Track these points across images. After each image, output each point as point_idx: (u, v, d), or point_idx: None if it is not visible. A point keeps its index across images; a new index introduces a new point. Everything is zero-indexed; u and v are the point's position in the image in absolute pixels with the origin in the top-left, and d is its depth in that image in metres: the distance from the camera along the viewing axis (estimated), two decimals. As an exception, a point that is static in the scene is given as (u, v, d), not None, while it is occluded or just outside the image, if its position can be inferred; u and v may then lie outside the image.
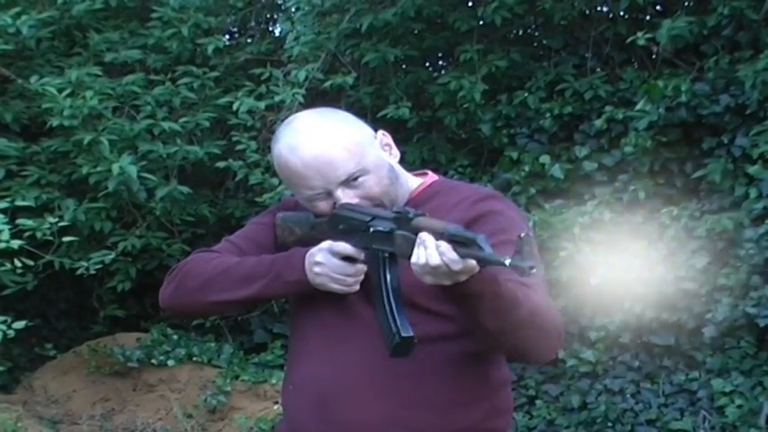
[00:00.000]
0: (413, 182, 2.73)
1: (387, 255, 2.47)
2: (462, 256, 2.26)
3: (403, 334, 2.42)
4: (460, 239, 2.27)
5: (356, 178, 2.57)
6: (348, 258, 2.55)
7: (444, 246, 2.27)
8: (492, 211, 2.62)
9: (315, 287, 2.58)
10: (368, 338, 2.54)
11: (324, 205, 2.60)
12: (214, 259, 2.74)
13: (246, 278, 2.66)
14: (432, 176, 2.74)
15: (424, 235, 2.32)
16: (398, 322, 2.43)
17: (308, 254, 2.59)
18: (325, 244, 2.57)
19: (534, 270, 2.21)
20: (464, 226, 2.40)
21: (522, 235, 2.26)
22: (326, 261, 2.56)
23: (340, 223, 2.58)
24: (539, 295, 2.50)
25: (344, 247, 2.54)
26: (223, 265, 2.71)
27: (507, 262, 2.21)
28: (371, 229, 2.49)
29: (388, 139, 2.70)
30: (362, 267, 2.55)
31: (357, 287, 2.56)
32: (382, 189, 2.60)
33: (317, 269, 2.56)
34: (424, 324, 2.54)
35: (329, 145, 2.55)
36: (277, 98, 8.34)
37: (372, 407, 2.54)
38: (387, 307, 2.45)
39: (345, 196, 2.56)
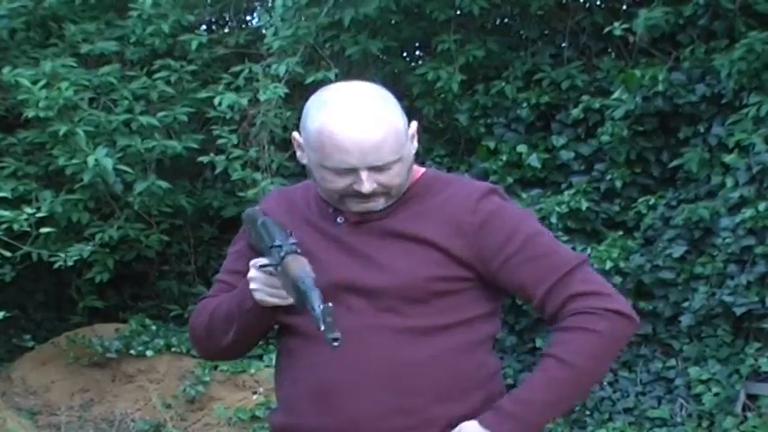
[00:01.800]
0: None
1: None
2: (299, 301, 2.41)
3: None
4: (301, 291, 2.39)
5: (389, 167, 2.56)
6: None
7: None
8: (494, 213, 2.62)
9: (262, 305, 2.59)
10: (364, 329, 2.55)
11: (340, 180, 2.56)
12: (204, 308, 2.76)
13: (227, 319, 2.68)
14: (418, 168, 2.74)
15: None
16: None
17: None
18: (252, 261, 2.59)
19: (336, 344, 2.32)
20: (472, 233, 2.56)
21: (322, 307, 2.34)
22: (257, 277, 2.57)
23: (261, 240, 2.60)
24: (563, 352, 2.55)
25: (262, 261, 2.56)
26: (208, 310, 2.73)
27: (321, 328, 2.32)
28: (258, 265, 2.55)
29: (415, 130, 2.69)
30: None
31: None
32: (401, 180, 2.59)
33: (252, 286, 2.57)
34: (422, 316, 2.55)
35: (381, 128, 2.52)
36: (261, 96, 8.31)
37: (373, 396, 2.54)
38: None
39: (368, 180, 2.53)
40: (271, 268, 2.53)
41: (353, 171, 2.53)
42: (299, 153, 2.67)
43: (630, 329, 2.62)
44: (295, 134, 2.68)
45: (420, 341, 2.54)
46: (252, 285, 2.57)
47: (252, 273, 2.58)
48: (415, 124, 2.67)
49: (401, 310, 2.56)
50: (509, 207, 2.67)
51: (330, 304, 2.33)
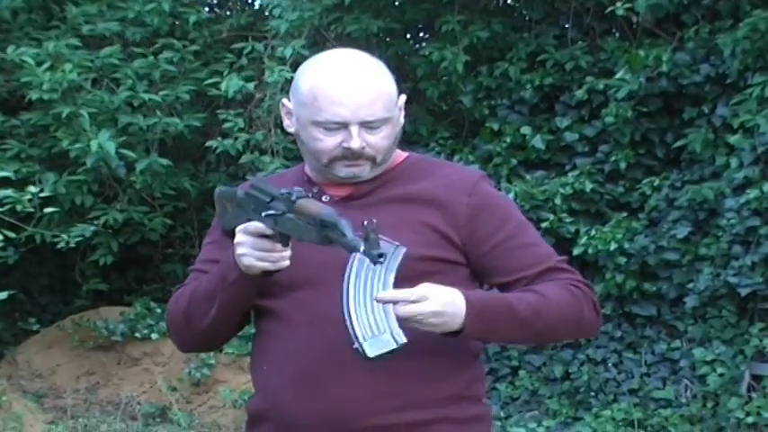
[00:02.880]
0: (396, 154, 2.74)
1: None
2: (324, 237, 2.37)
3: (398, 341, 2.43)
4: (329, 223, 2.34)
5: (379, 125, 2.58)
6: (266, 235, 2.53)
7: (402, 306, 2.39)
8: (489, 198, 2.67)
9: (250, 273, 2.55)
10: (339, 318, 2.53)
11: (329, 139, 2.57)
12: (182, 293, 2.73)
13: (208, 297, 2.64)
14: (401, 152, 2.75)
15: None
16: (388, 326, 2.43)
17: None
18: (240, 227, 2.55)
19: (381, 260, 2.32)
20: (467, 216, 2.60)
21: (366, 223, 2.31)
22: (245, 241, 2.53)
23: (251, 203, 2.57)
24: (552, 295, 2.58)
25: (255, 225, 2.52)
26: (187, 293, 2.70)
27: (361, 249, 2.30)
28: (263, 214, 2.51)
29: (403, 103, 2.71)
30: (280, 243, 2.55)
31: (286, 262, 2.53)
32: (389, 144, 2.61)
33: (239, 251, 2.53)
34: None
35: (376, 82, 2.57)
36: (268, 79, 8.29)
37: (359, 380, 2.52)
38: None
39: (359, 137, 2.56)
40: (271, 223, 2.49)
41: (344, 127, 2.55)
42: (286, 122, 2.69)
43: (596, 324, 2.69)
44: (284, 100, 2.70)
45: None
46: (239, 250, 2.53)
47: (240, 237, 2.54)
48: (403, 97, 2.70)
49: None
50: (500, 194, 2.75)
51: (374, 220, 2.33)
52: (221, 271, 2.61)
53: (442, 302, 2.42)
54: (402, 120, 2.69)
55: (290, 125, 2.68)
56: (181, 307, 2.71)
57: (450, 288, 2.45)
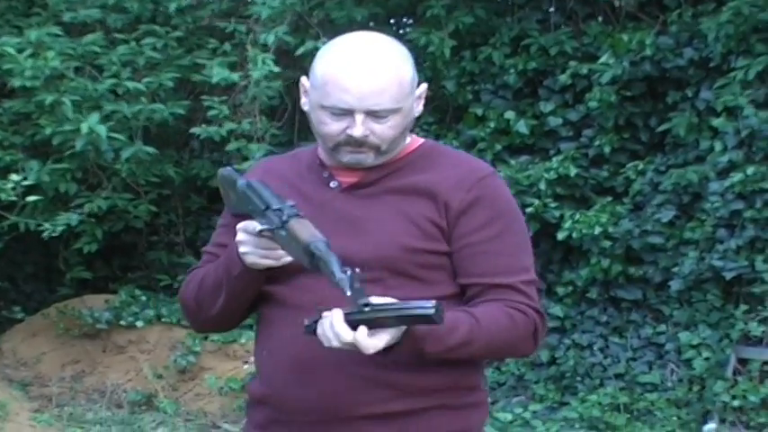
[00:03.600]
0: (409, 141, 2.73)
1: None
2: (313, 265, 2.37)
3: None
4: (317, 257, 2.36)
5: (385, 115, 2.57)
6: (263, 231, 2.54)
7: (338, 326, 2.36)
8: (484, 198, 2.63)
9: (254, 268, 2.57)
10: (342, 299, 2.53)
11: (335, 124, 2.58)
12: (194, 278, 2.76)
13: (215, 287, 2.67)
14: (417, 138, 2.74)
15: (325, 320, 2.39)
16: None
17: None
18: (240, 225, 2.57)
19: (367, 309, 2.31)
20: (456, 212, 2.57)
21: (349, 272, 2.32)
22: (247, 240, 2.55)
23: (248, 203, 2.58)
24: (488, 321, 2.55)
25: (254, 226, 2.53)
26: (197, 280, 2.73)
27: (348, 293, 2.30)
28: (257, 228, 2.51)
29: (424, 93, 2.70)
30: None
31: (289, 258, 2.53)
32: (394, 134, 2.60)
33: (242, 249, 2.55)
34: (408, 287, 2.53)
35: (386, 74, 2.55)
36: (254, 74, 8.25)
37: (350, 369, 2.53)
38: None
39: (363, 125, 2.55)
40: (268, 233, 2.50)
41: (350, 114, 2.55)
42: (303, 99, 2.68)
43: (529, 352, 2.70)
44: (303, 78, 2.69)
45: None
46: (242, 249, 2.55)
47: (240, 236, 2.56)
48: (424, 86, 2.69)
49: (386, 281, 2.54)
50: (502, 195, 2.68)
51: (357, 269, 2.33)
52: (226, 264, 2.63)
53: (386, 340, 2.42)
54: (419, 109, 2.68)
55: (305, 103, 2.67)
56: (192, 293, 2.74)
57: None
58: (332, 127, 2.58)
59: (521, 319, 2.59)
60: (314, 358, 2.55)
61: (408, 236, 2.54)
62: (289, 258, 2.53)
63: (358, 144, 2.58)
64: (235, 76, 8.38)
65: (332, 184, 2.65)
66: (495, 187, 2.67)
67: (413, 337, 2.44)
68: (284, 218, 2.45)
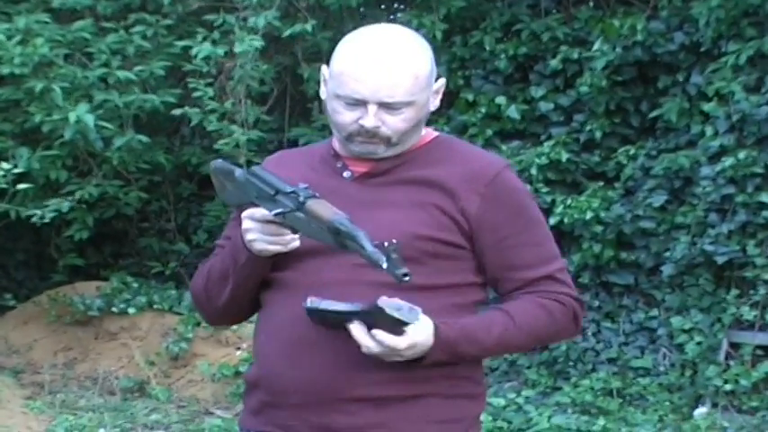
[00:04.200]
0: (424, 134, 2.73)
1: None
2: (339, 243, 2.38)
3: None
4: (344, 233, 2.36)
5: (399, 107, 2.57)
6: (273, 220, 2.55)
7: (380, 334, 2.42)
8: (503, 192, 2.65)
9: (262, 255, 2.58)
10: (347, 283, 2.53)
11: (348, 113, 2.59)
12: (202, 271, 2.77)
13: (222, 277, 2.68)
14: (431, 131, 2.74)
15: (354, 329, 2.43)
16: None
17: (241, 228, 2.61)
18: (246, 213, 2.57)
19: (407, 279, 2.32)
20: (478, 208, 2.58)
21: (387, 244, 2.32)
22: (254, 227, 2.55)
23: (253, 190, 2.57)
24: (524, 317, 2.61)
25: (262, 213, 2.53)
26: (205, 272, 2.75)
27: (384, 266, 2.30)
28: (272, 212, 2.50)
29: (442, 88, 2.70)
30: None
31: (297, 242, 2.54)
32: (407, 126, 2.59)
33: (249, 236, 2.56)
34: (416, 274, 2.47)
35: (402, 67, 2.55)
36: (237, 49, 8.23)
37: (347, 351, 2.51)
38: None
39: (375, 116, 2.55)
40: (280, 217, 2.49)
41: (363, 104, 2.56)
42: (322, 87, 2.69)
43: (571, 336, 2.79)
44: (323, 67, 2.70)
45: (409, 300, 2.47)
46: (249, 236, 2.56)
47: (247, 224, 2.56)
48: (442, 81, 2.69)
49: None
50: (519, 187, 2.71)
51: (394, 240, 2.35)
52: (232, 253, 2.64)
53: (416, 341, 2.47)
54: (436, 104, 2.68)
55: (323, 91, 2.68)
56: (201, 285, 2.76)
57: (425, 323, 2.48)
58: (345, 116, 2.59)
59: (558, 309, 2.63)
60: (309, 340, 2.55)
61: (419, 223, 2.55)
62: (297, 243, 2.54)
63: (370, 135, 2.58)
64: (220, 51, 8.33)
65: (345, 174, 2.66)
66: (509, 181, 2.68)
67: (444, 341, 2.50)
68: (301, 199, 2.45)
